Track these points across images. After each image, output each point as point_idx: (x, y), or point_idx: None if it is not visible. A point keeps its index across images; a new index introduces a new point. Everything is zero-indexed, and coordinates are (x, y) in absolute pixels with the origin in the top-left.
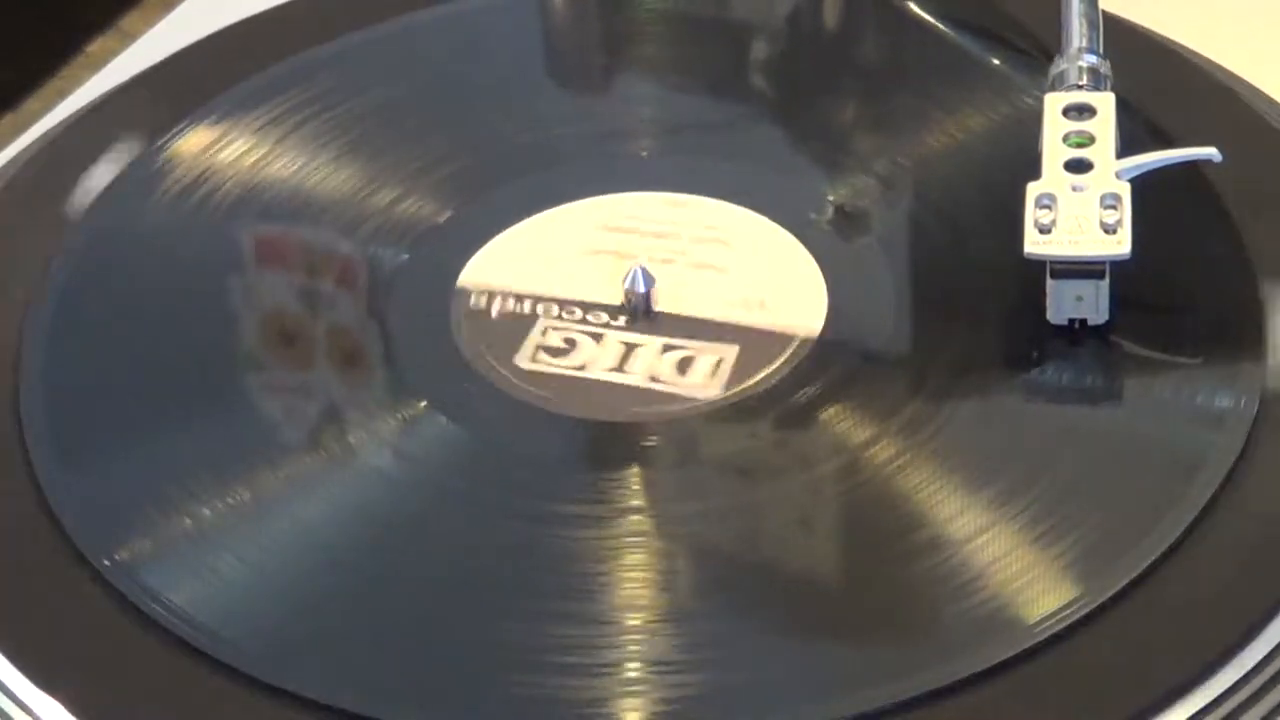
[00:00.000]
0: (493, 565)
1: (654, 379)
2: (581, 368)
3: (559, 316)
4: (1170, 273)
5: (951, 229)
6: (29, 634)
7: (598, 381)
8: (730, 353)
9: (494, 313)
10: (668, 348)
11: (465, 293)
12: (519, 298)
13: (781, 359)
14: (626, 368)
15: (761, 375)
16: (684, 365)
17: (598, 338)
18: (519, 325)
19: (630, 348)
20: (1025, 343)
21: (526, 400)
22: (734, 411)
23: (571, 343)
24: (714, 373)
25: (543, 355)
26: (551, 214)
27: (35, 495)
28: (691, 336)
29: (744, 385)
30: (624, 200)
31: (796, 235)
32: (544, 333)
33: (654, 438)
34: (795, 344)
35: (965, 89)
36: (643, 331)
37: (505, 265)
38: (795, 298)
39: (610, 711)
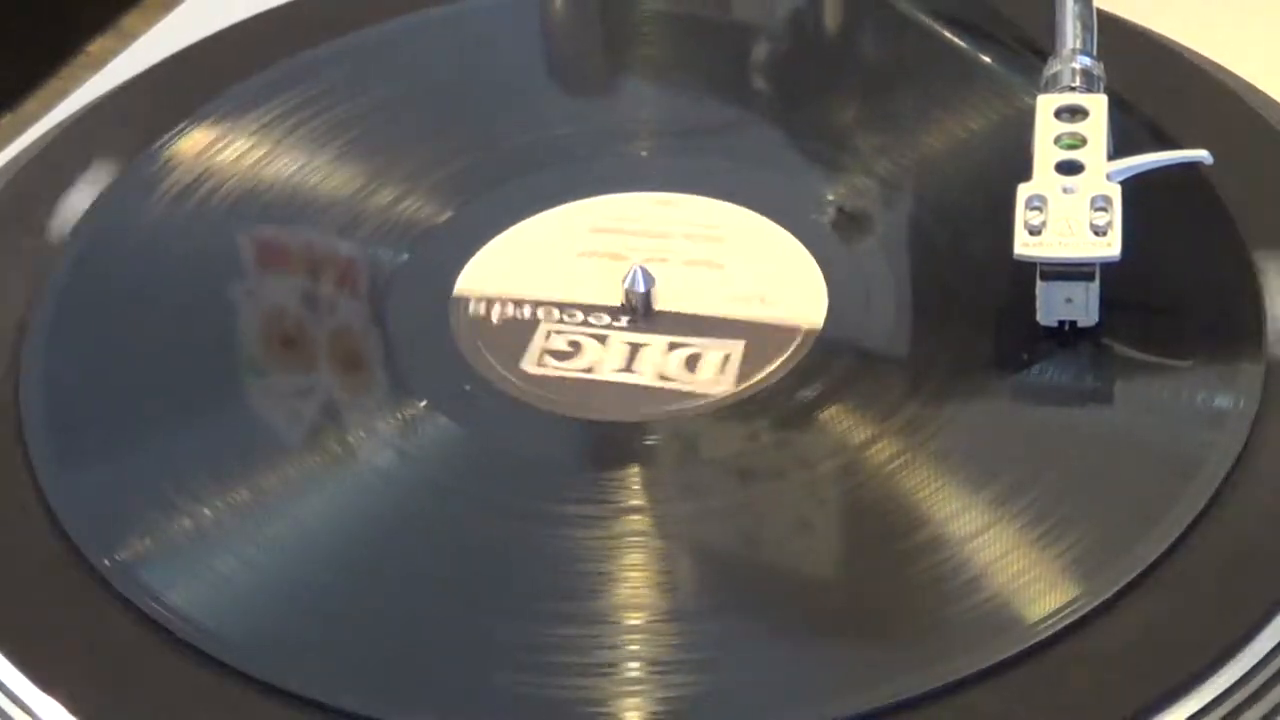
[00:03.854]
0: (493, 565)
1: (663, 377)
2: (589, 370)
3: (560, 319)
4: (1170, 273)
5: (952, 229)
6: (29, 634)
7: (607, 383)
8: (736, 349)
9: (494, 317)
10: (673, 346)
11: (464, 296)
12: (518, 302)
13: (779, 360)
14: (634, 368)
15: (760, 376)
16: (691, 362)
17: (602, 339)
18: (521, 329)
19: (635, 348)
20: (1026, 343)
21: (528, 401)
22: (733, 411)
23: (576, 345)
24: (722, 369)
25: (549, 359)
26: (545, 216)
27: (35, 495)
28: (695, 335)
29: (745, 384)
30: (619, 200)
31: (797, 235)
32: (548, 336)
33: (654, 438)
34: (794, 345)
35: (966, 89)
36: (646, 331)
37: (503, 268)
38: (795, 298)
39: (610, 711)
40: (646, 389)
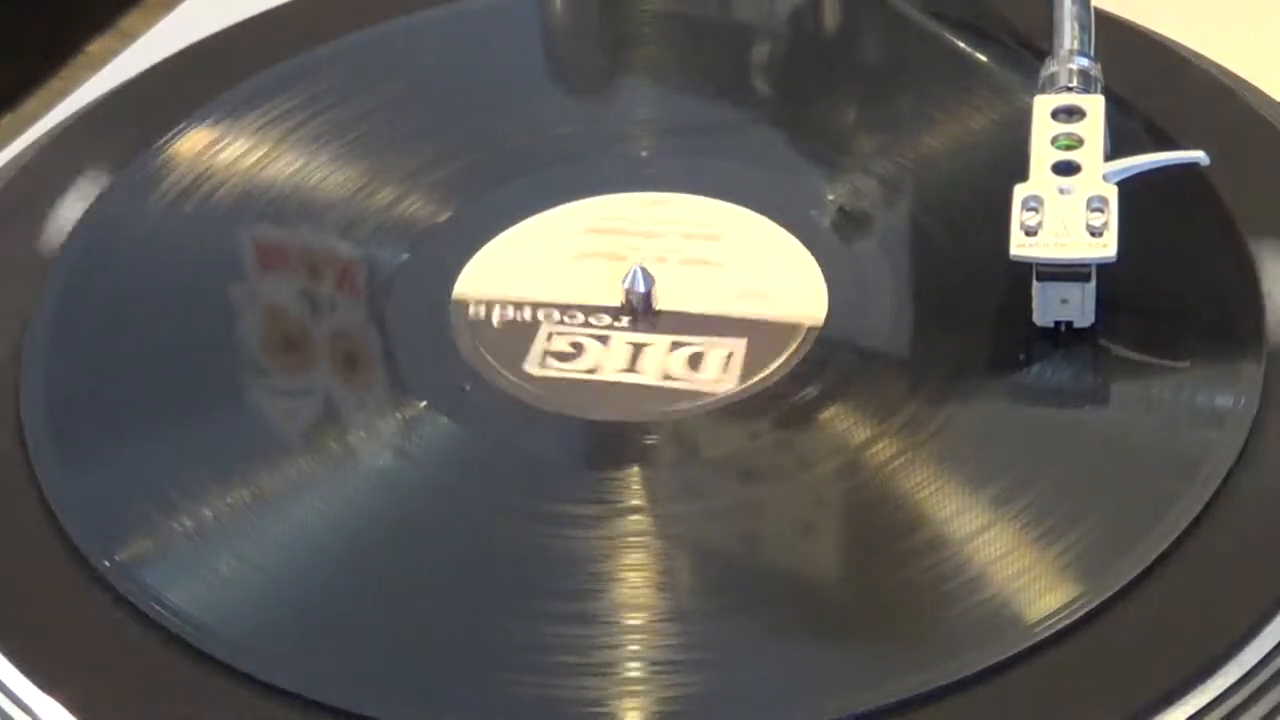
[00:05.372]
0: (493, 565)
1: (667, 377)
2: (592, 370)
3: (561, 320)
4: (1169, 272)
5: (952, 229)
6: (29, 634)
7: (610, 383)
8: (738, 347)
9: (495, 319)
10: (676, 345)
11: (464, 297)
12: (519, 304)
13: (778, 361)
14: (637, 367)
15: (760, 376)
16: (695, 361)
17: (604, 340)
18: (522, 330)
19: (638, 348)
20: (1026, 342)
21: (530, 402)
22: (733, 410)
23: (578, 346)
24: (725, 368)
25: (551, 360)
26: (543, 217)
27: (35, 495)
28: (697, 334)
29: (746, 384)
30: (616, 200)
31: (796, 234)
32: (549, 338)
33: (655, 437)
34: (793, 345)
35: (965, 89)
36: (648, 331)
37: (502, 270)
38: (795, 298)
39: (610, 711)
40: (648, 389)
